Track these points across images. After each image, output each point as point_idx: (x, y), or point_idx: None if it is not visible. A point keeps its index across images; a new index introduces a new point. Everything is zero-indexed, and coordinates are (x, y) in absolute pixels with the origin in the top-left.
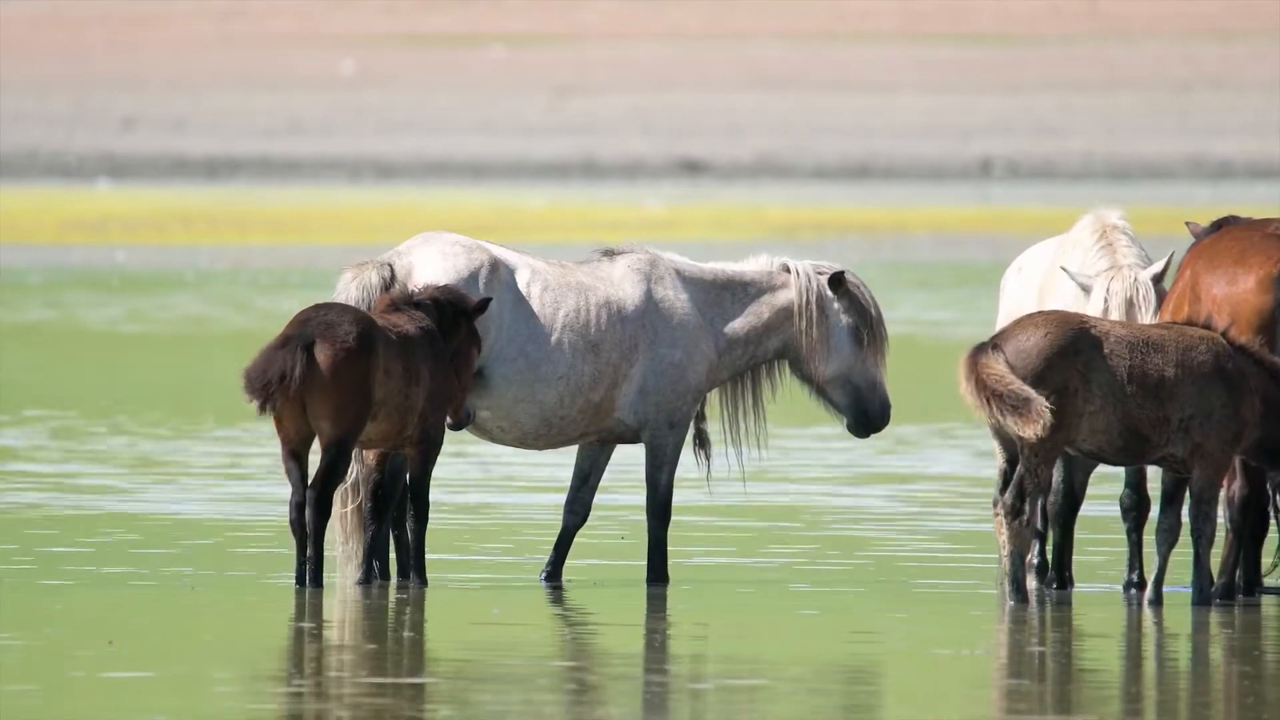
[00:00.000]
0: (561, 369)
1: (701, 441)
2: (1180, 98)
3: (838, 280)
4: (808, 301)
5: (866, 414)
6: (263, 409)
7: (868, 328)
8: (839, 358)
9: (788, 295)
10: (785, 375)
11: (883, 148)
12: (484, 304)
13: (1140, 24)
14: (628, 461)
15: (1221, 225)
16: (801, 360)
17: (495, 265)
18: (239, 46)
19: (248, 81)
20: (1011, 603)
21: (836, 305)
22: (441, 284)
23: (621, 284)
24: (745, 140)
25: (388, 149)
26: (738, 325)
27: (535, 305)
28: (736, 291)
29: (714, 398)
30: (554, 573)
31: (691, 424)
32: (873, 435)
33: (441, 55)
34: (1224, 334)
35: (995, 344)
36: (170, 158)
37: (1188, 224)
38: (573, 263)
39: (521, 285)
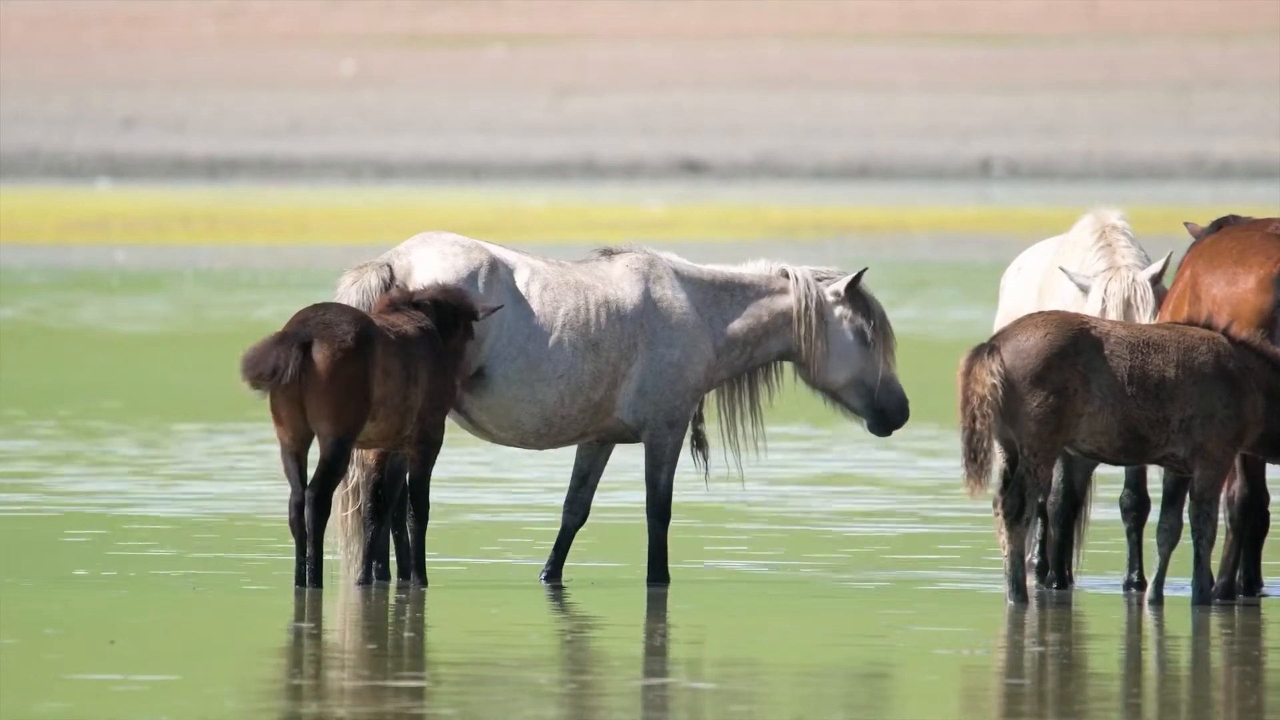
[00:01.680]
0: (561, 368)
1: (699, 443)
2: (1180, 98)
3: (856, 282)
4: (806, 308)
5: (884, 412)
6: (255, 387)
7: (872, 327)
8: (848, 364)
9: (787, 300)
10: (783, 379)
11: (883, 148)
12: (493, 310)
13: (1140, 24)
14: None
15: (1221, 225)
16: (806, 366)
17: (494, 265)
18: (239, 46)
19: (248, 81)
20: (1011, 603)
21: (838, 311)
22: (443, 283)
23: (620, 283)
24: (745, 140)
25: (388, 149)
26: (736, 326)
27: (535, 304)
28: (735, 293)
29: (711, 400)
30: (554, 572)
31: (689, 425)
32: (894, 432)
33: (441, 55)
34: (1225, 331)
35: (994, 345)
36: (170, 158)
37: (1187, 224)
38: (571, 262)
39: (520, 284)
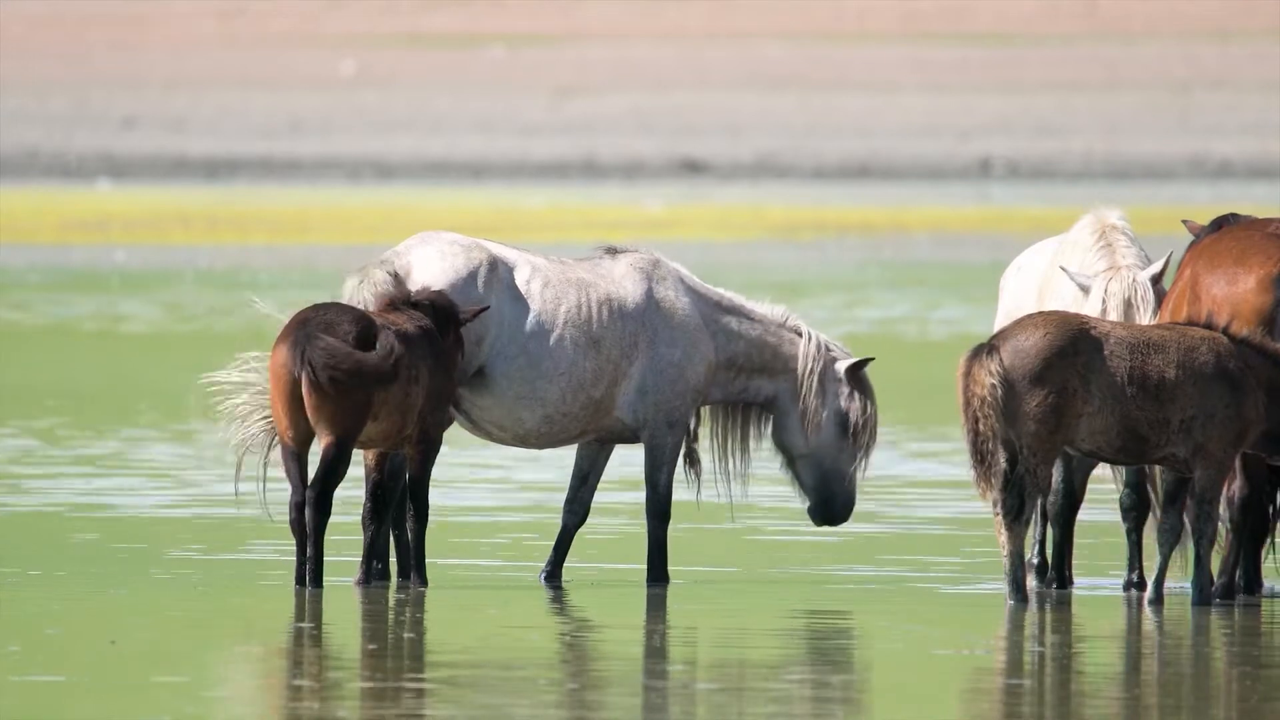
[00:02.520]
0: (563, 365)
1: (692, 460)
2: (1180, 98)
3: (860, 366)
4: (811, 370)
5: (829, 502)
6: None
7: (861, 421)
8: (821, 438)
9: (792, 349)
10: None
11: (883, 148)
12: (478, 313)
13: (1140, 24)
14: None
15: (1221, 224)
16: (784, 424)
17: (494, 264)
18: (239, 46)
19: (248, 81)
20: (1011, 603)
21: (844, 389)
22: (435, 290)
23: (623, 282)
24: (745, 140)
25: (388, 149)
26: (735, 347)
27: (535, 302)
28: (741, 319)
29: (705, 430)
30: (554, 573)
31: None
32: (827, 527)
33: (441, 55)
34: (1225, 329)
35: (993, 345)
36: (170, 158)
37: (1185, 222)
38: (574, 260)
39: (521, 282)
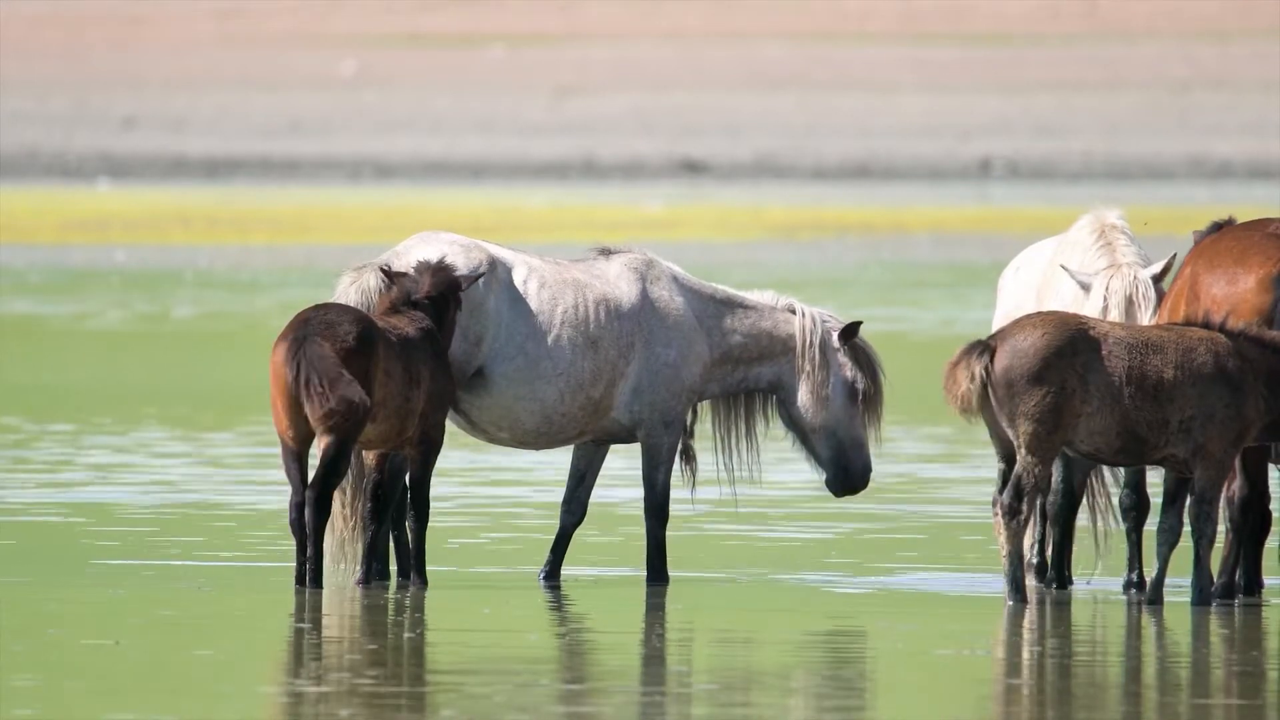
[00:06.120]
0: (561, 365)
1: (688, 457)
2: (1180, 98)
3: (852, 330)
4: (810, 343)
5: (847, 471)
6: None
7: (867, 387)
8: (831, 409)
9: (787, 329)
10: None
11: (883, 148)
12: (476, 278)
13: (1140, 24)
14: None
15: (1220, 227)
16: (793, 402)
17: (493, 264)
18: (239, 46)
19: (248, 81)
20: (1011, 603)
21: (842, 358)
22: (427, 261)
23: (617, 282)
24: (745, 140)
25: (387, 149)
26: (733, 341)
27: (533, 303)
28: (736, 310)
29: (706, 426)
30: (552, 572)
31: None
32: (848, 496)
33: (441, 55)
34: (1222, 326)
35: (989, 345)
36: (170, 158)
37: (1194, 233)
38: (568, 260)
39: (519, 282)
